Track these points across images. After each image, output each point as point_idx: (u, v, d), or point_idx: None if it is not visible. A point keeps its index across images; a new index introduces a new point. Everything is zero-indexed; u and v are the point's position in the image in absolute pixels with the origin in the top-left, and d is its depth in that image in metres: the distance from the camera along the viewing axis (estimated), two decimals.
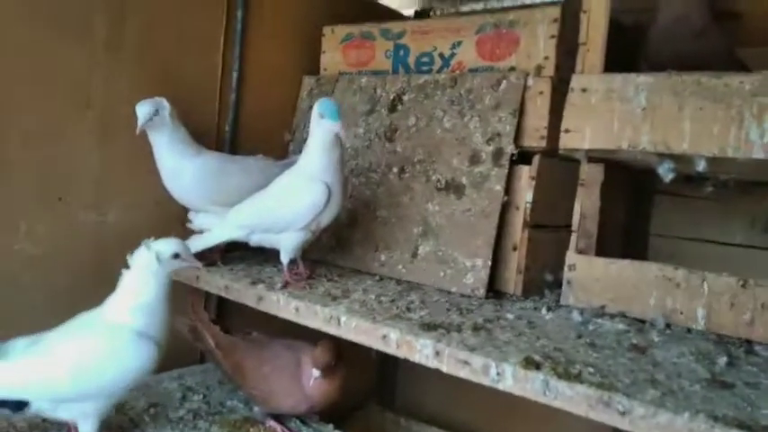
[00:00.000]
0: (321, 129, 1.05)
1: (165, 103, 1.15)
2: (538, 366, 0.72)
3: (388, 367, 1.86)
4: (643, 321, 0.95)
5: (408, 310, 0.97)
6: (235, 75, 1.45)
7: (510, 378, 0.73)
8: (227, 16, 1.41)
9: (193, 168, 1.19)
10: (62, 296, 1.15)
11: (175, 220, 1.29)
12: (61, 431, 0.95)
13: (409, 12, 1.93)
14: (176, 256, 0.87)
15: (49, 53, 1.13)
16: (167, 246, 0.88)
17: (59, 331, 0.89)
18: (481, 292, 1.08)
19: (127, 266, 0.91)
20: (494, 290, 1.11)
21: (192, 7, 1.35)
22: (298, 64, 1.57)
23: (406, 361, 0.85)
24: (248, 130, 1.48)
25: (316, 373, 1.01)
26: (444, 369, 0.80)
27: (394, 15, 1.82)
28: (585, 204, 1.07)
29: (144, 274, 0.88)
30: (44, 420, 0.96)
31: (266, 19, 1.50)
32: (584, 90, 1.03)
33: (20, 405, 0.85)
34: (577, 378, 0.69)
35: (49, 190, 1.16)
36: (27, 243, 1.13)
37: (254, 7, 1.46)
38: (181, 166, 1.19)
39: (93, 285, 1.14)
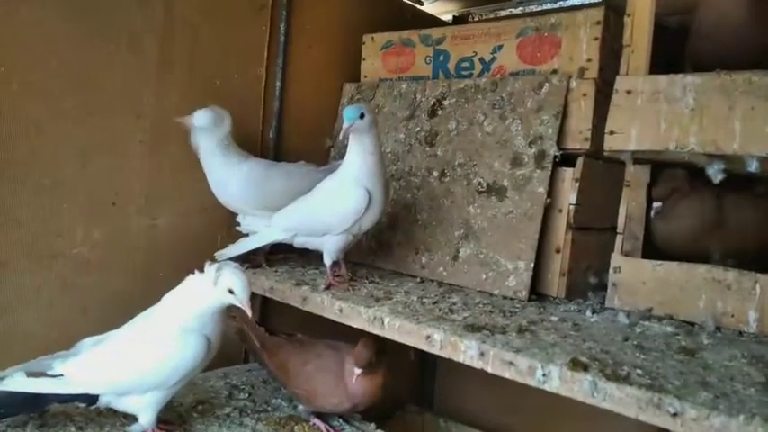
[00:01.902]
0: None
1: (213, 111, 1.19)
2: (585, 368, 0.72)
3: (426, 368, 1.86)
4: (692, 324, 0.94)
5: (451, 311, 0.97)
6: (278, 84, 1.48)
7: (557, 379, 0.73)
8: (270, 29, 1.45)
9: (240, 175, 1.23)
10: (116, 297, 1.20)
11: (222, 225, 1.33)
12: (114, 425, 0.99)
13: (447, 17, 1.94)
14: (231, 291, 0.90)
15: (105, 70, 1.18)
16: (226, 279, 0.91)
17: (122, 330, 0.95)
18: (524, 294, 1.08)
19: (185, 270, 0.94)
20: (536, 292, 1.11)
21: (237, 23, 1.39)
22: (338, 72, 1.60)
23: (444, 362, 0.86)
24: (291, 137, 1.52)
25: (357, 370, 1.02)
26: (489, 370, 0.80)
27: (432, 22, 1.83)
28: (631, 206, 1.06)
29: (203, 287, 0.91)
30: (99, 414, 1.00)
31: (307, 30, 1.54)
32: (628, 92, 1.02)
33: (91, 398, 0.92)
34: (626, 380, 0.69)
35: (104, 197, 1.21)
36: (84, 248, 1.18)
37: (296, 19, 1.50)
38: (228, 173, 1.23)
39: (146, 287, 1.21)
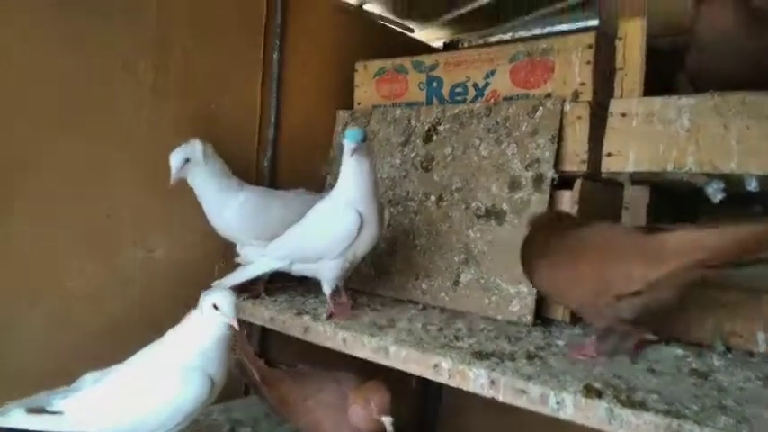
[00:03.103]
0: (345, 152, 1.06)
1: (198, 147, 1.17)
2: (599, 394, 0.71)
3: (429, 397, 1.83)
4: (700, 345, 0.93)
5: (456, 338, 0.96)
6: (272, 112, 1.48)
7: (571, 407, 0.71)
8: (263, 58, 1.46)
9: (237, 204, 1.21)
10: (113, 330, 1.17)
11: (220, 255, 1.32)
12: None
13: (438, 45, 1.97)
14: (216, 307, 0.89)
15: (98, 95, 1.17)
16: (210, 297, 0.90)
17: (123, 367, 0.92)
18: (528, 318, 1.07)
19: (182, 301, 0.93)
20: (540, 316, 1.10)
21: (231, 52, 1.39)
22: (332, 99, 1.61)
23: (449, 390, 0.84)
24: (286, 165, 1.51)
25: (387, 419, 0.95)
26: (500, 398, 0.78)
27: (424, 49, 1.85)
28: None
29: (197, 319, 0.90)
30: None
31: (300, 58, 1.54)
32: (623, 114, 1.04)
33: None
34: (642, 405, 0.68)
35: (98, 227, 1.19)
36: (78, 281, 1.16)
37: (289, 48, 1.51)
38: (223, 202, 1.21)
39: (143, 318, 1.18)
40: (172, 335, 0.92)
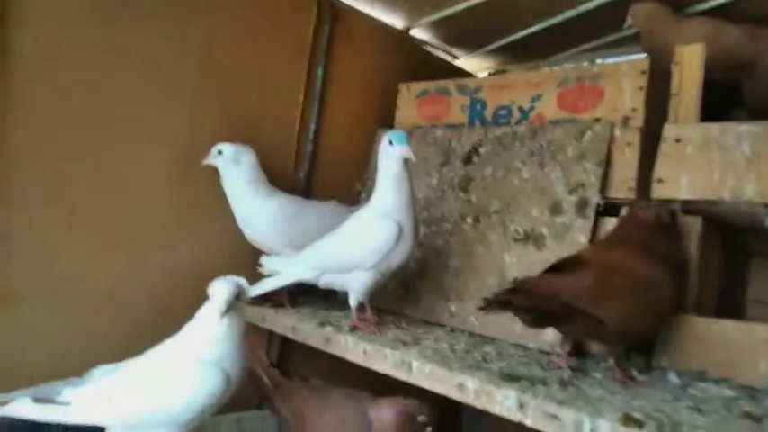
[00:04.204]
0: (389, 157, 1.04)
1: (233, 147, 1.18)
2: (640, 425, 0.64)
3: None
4: (753, 389, 0.85)
5: (485, 360, 0.90)
6: (312, 126, 1.48)
7: None
8: (308, 73, 1.46)
9: (270, 211, 1.20)
10: (133, 333, 1.14)
11: (247, 264, 1.29)
12: None
13: (483, 74, 1.95)
14: (211, 297, 0.87)
15: (137, 95, 1.18)
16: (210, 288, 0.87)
17: (135, 361, 0.90)
18: (564, 347, 1.00)
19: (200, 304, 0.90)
20: (575, 348, 1.03)
21: (277, 63, 1.41)
22: (372, 118, 1.60)
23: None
24: (322, 180, 1.50)
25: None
26: (529, 423, 0.72)
27: (468, 76, 1.84)
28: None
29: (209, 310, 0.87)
30: None
31: (344, 75, 1.55)
32: (677, 140, 0.99)
33: (99, 431, 0.86)
34: None
35: (125, 228, 1.18)
36: (100, 281, 1.15)
37: (334, 64, 1.52)
38: (257, 208, 1.20)
39: (164, 323, 1.14)
40: (187, 329, 0.89)
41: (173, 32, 1.21)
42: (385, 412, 0.95)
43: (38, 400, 0.84)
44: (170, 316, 1.17)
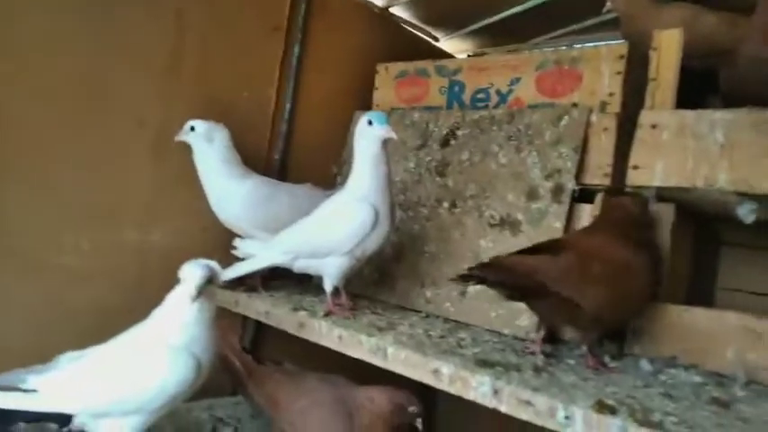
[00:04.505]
0: (368, 138, 1.03)
1: (205, 124, 1.16)
2: (613, 411, 0.65)
3: None
4: (721, 375, 0.86)
5: (460, 346, 0.90)
6: (288, 106, 1.45)
7: (580, 422, 0.65)
8: (284, 51, 1.43)
9: (243, 192, 1.18)
10: (103, 312, 1.12)
11: (219, 247, 1.26)
12: None
13: (462, 56, 1.93)
14: (183, 280, 0.85)
15: (109, 77, 1.15)
16: (182, 271, 0.85)
17: (104, 347, 0.87)
18: (536, 335, 1.00)
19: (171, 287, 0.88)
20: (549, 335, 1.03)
21: (250, 42, 1.37)
22: (350, 99, 1.57)
23: (445, 406, 0.78)
24: (297, 161, 1.48)
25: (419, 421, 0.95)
26: (503, 409, 0.72)
27: (447, 57, 1.82)
28: None
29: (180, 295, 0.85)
30: None
31: (321, 54, 1.52)
32: (653, 126, 0.98)
33: (65, 419, 0.85)
34: (660, 426, 0.61)
35: (97, 206, 1.15)
36: (71, 257, 1.12)
37: (310, 44, 1.48)
38: (229, 190, 1.17)
39: (134, 303, 1.11)
40: (156, 314, 0.87)
41: (143, 10, 1.17)
42: (378, 401, 0.94)
43: (1, 387, 0.81)
44: (141, 297, 1.13)
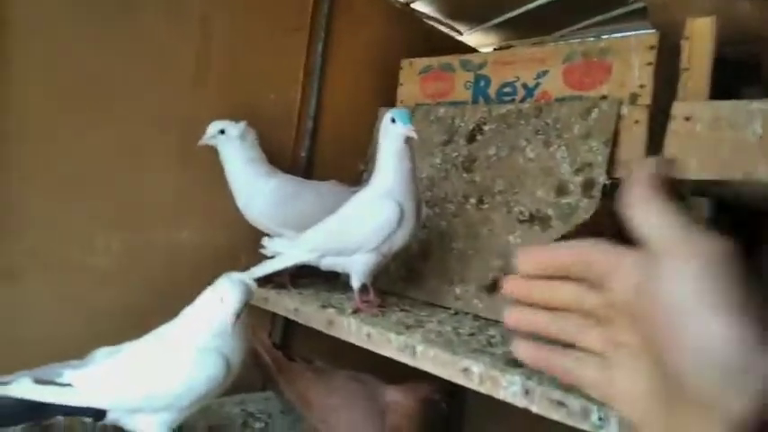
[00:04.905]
0: (391, 136, 1.02)
1: (237, 125, 1.17)
2: None
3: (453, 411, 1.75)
4: None
5: (490, 344, 0.89)
6: (313, 104, 1.45)
7: (615, 424, 0.64)
8: (307, 50, 1.43)
9: (267, 190, 1.18)
10: (132, 311, 1.14)
11: (247, 245, 1.28)
12: None
13: (486, 50, 1.91)
14: (221, 300, 0.85)
15: (136, 78, 1.16)
16: (219, 287, 0.86)
17: (137, 343, 0.89)
18: None
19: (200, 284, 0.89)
20: None
21: (275, 43, 1.37)
22: (374, 96, 1.57)
23: (475, 405, 0.78)
24: (323, 158, 1.48)
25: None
26: (534, 410, 0.71)
27: (472, 51, 1.81)
28: None
29: (212, 302, 0.86)
30: None
31: (344, 52, 1.51)
32: (687, 118, 0.96)
33: (99, 413, 0.86)
34: None
35: (127, 206, 1.17)
36: (101, 258, 1.14)
37: (334, 41, 1.48)
38: (256, 188, 1.18)
39: (164, 302, 1.13)
40: (187, 313, 0.88)
41: (167, 15, 1.18)
42: (408, 399, 0.94)
43: (38, 381, 0.84)
44: (170, 295, 1.16)
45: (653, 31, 1.26)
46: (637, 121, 1.07)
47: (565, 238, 0.88)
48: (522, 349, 0.46)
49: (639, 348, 0.40)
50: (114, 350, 0.90)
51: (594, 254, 0.43)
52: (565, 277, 0.44)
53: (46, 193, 1.07)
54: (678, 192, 0.76)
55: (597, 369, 0.43)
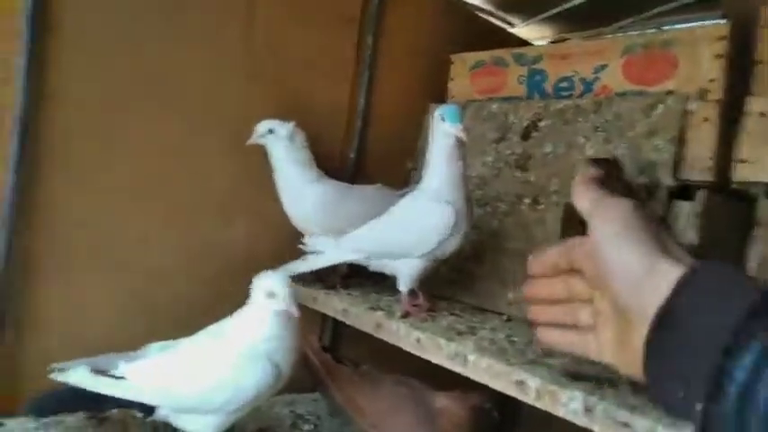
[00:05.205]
0: (441, 135, 0.99)
1: (286, 125, 1.16)
2: None
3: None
4: None
5: (546, 354, 0.85)
6: (362, 101, 1.44)
7: None
8: (357, 45, 1.41)
9: (314, 195, 1.18)
10: (189, 307, 1.16)
11: (297, 242, 1.28)
12: None
13: (540, 43, 1.85)
14: (271, 295, 0.83)
15: (189, 74, 1.17)
16: (262, 284, 0.86)
17: (190, 341, 0.90)
18: None
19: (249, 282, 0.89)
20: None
21: (325, 34, 1.36)
22: (424, 91, 1.54)
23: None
24: (372, 157, 1.46)
25: None
26: (596, 429, 0.67)
27: (524, 44, 1.75)
28: (764, 249, 0.91)
29: (258, 307, 0.86)
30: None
31: (394, 46, 1.49)
32: (762, 114, 0.89)
33: (149, 408, 0.88)
34: None
35: (180, 203, 1.19)
36: (156, 255, 1.16)
37: (384, 35, 1.46)
38: (301, 192, 1.18)
39: (216, 297, 1.16)
40: (239, 316, 0.88)
41: (215, 4, 1.18)
42: (457, 406, 0.92)
43: (94, 371, 0.85)
44: (224, 292, 1.18)
45: (722, 20, 1.19)
46: (706, 118, 1.00)
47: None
48: (542, 335, 0.62)
49: (608, 307, 0.54)
50: (167, 345, 0.91)
51: (570, 248, 0.57)
52: (563, 271, 0.58)
53: (103, 192, 1.09)
54: (617, 177, 0.82)
55: (593, 338, 0.56)
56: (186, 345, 0.90)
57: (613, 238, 0.49)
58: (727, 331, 0.40)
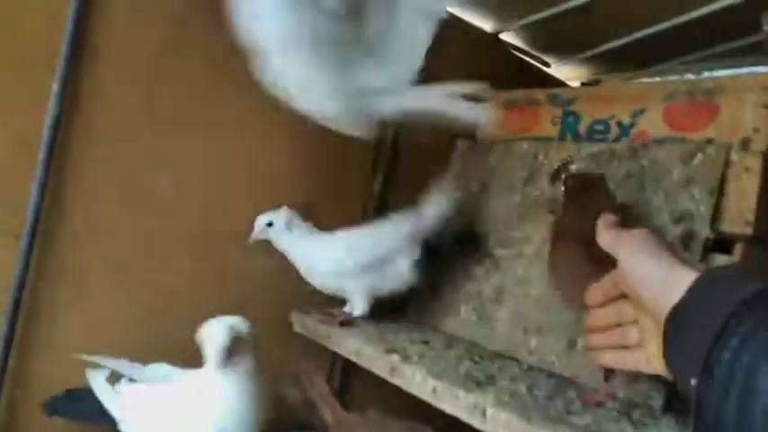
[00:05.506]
0: None
1: (282, 215, 1.17)
2: None
3: None
4: None
5: (569, 412, 0.80)
6: (390, 133, 1.42)
7: None
8: None
9: (323, 254, 1.20)
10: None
11: None
12: None
13: (575, 84, 1.82)
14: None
15: (213, 104, 1.18)
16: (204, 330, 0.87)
17: (179, 375, 0.89)
18: (659, 402, 0.88)
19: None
20: (677, 398, 0.90)
21: None
22: (452, 127, 1.51)
23: None
24: (398, 189, 1.45)
25: None
26: None
27: (559, 85, 1.72)
28: None
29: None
30: None
31: (428, 80, 1.47)
32: None
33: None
34: None
35: (201, 227, 1.19)
36: (173, 277, 1.16)
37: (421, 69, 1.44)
38: (312, 262, 1.20)
39: None
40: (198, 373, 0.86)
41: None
42: None
43: (108, 380, 0.86)
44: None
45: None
46: (748, 169, 0.95)
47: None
48: (599, 358, 0.72)
49: (650, 322, 0.62)
50: (167, 373, 0.90)
51: (616, 276, 0.65)
52: (614, 298, 0.68)
53: (123, 213, 1.10)
54: (606, 194, 0.91)
55: (642, 353, 0.64)
56: (168, 384, 0.89)
57: (635, 255, 0.61)
58: (720, 319, 0.47)
